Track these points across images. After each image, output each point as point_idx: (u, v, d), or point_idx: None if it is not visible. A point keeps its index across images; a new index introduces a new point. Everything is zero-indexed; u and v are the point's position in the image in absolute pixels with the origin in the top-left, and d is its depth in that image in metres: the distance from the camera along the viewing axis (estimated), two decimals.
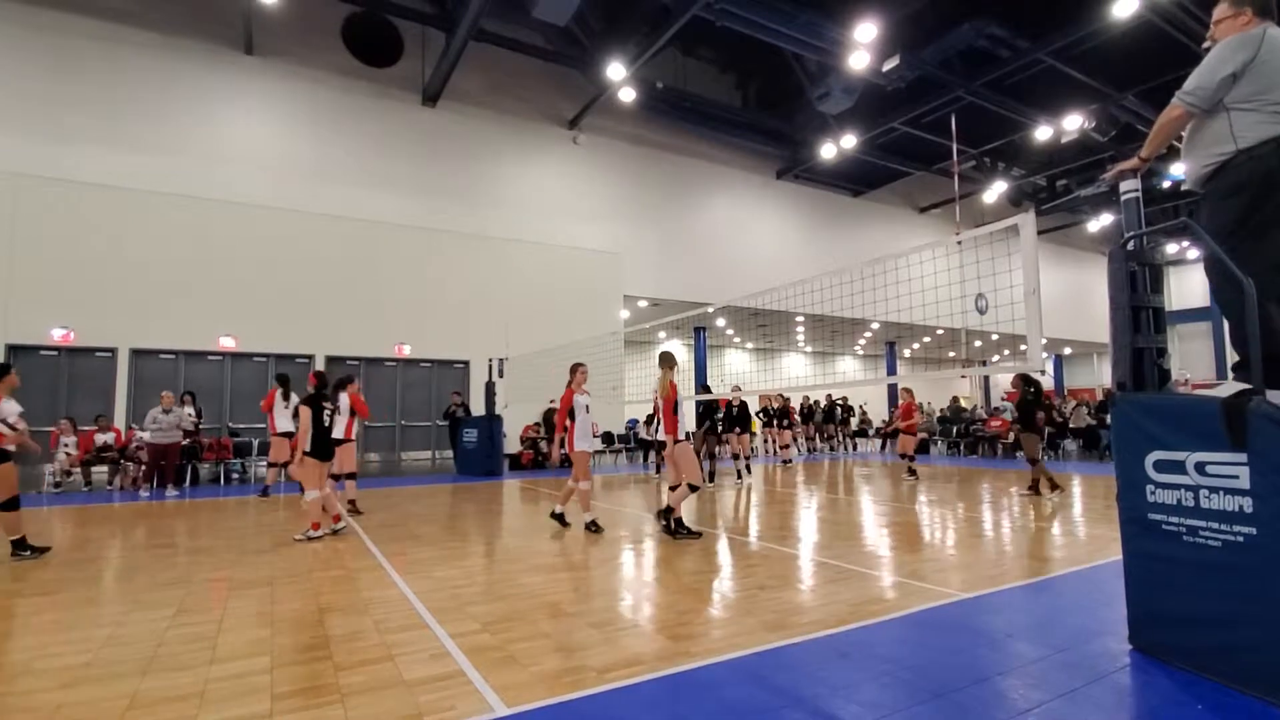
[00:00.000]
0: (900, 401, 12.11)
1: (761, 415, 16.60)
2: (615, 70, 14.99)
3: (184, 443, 10.89)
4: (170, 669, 3.07)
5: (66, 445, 10.78)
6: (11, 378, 5.87)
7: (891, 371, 30.27)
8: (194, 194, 13.59)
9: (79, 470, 10.88)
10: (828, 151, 19.00)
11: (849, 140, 18.49)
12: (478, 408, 14.44)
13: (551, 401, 14.74)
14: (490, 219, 16.78)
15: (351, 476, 7.98)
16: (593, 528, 6.59)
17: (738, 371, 28.94)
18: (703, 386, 7.18)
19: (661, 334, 27.25)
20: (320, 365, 14.50)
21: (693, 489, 6.24)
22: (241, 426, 13.76)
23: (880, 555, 5.54)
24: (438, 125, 16.37)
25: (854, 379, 35.86)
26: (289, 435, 9.03)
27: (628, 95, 16.47)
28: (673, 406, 6.34)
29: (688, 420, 6.73)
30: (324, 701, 2.70)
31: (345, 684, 2.87)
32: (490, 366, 13.50)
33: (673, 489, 6.45)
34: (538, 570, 5.05)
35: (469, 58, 15.23)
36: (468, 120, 16.73)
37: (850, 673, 2.96)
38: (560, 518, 6.94)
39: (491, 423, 12.75)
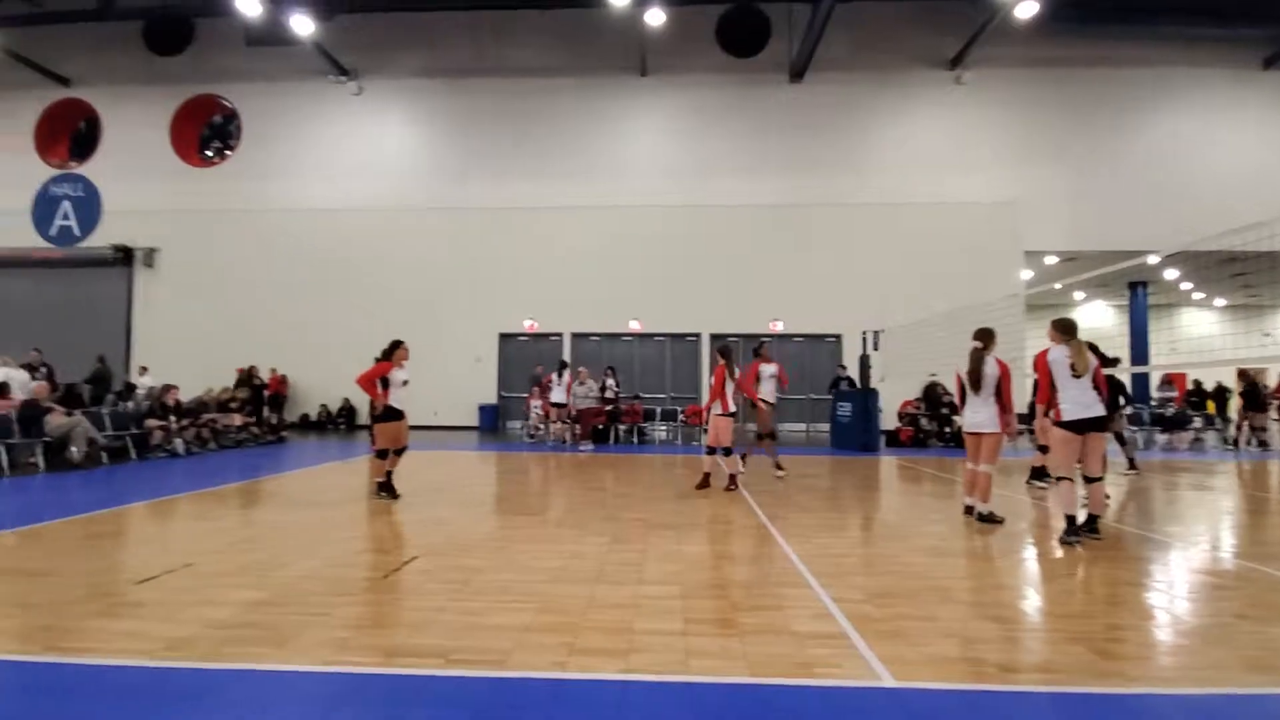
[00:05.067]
0: None
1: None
2: None
3: (606, 409, 13.49)
4: (612, 582, 3.88)
5: (535, 407, 14.32)
6: (403, 350, 6.70)
7: None
8: (604, 204, 16.54)
9: (543, 426, 14.32)
10: None
11: None
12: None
13: (933, 375, 13.61)
14: (861, 185, 16.27)
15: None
16: (991, 519, 5.67)
17: (1199, 335, 22.10)
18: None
19: (1078, 294, 22.60)
20: (705, 343, 16.23)
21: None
22: (648, 396, 16.30)
23: None
24: (804, 99, 16.50)
25: None
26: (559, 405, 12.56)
27: (1027, 10, 13.90)
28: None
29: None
30: (726, 633, 3.07)
31: (742, 622, 3.21)
32: (864, 339, 13.11)
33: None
34: (923, 552, 4.77)
35: (834, 21, 14.84)
36: (835, 87, 16.44)
37: None
38: (991, 516, 5.66)
39: (867, 397, 12.41)
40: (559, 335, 16.68)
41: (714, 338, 16.26)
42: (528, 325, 16.65)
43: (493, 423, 16.24)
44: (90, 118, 18.30)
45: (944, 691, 2.50)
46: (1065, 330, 5.20)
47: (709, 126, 16.71)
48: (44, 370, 11.66)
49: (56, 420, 9.03)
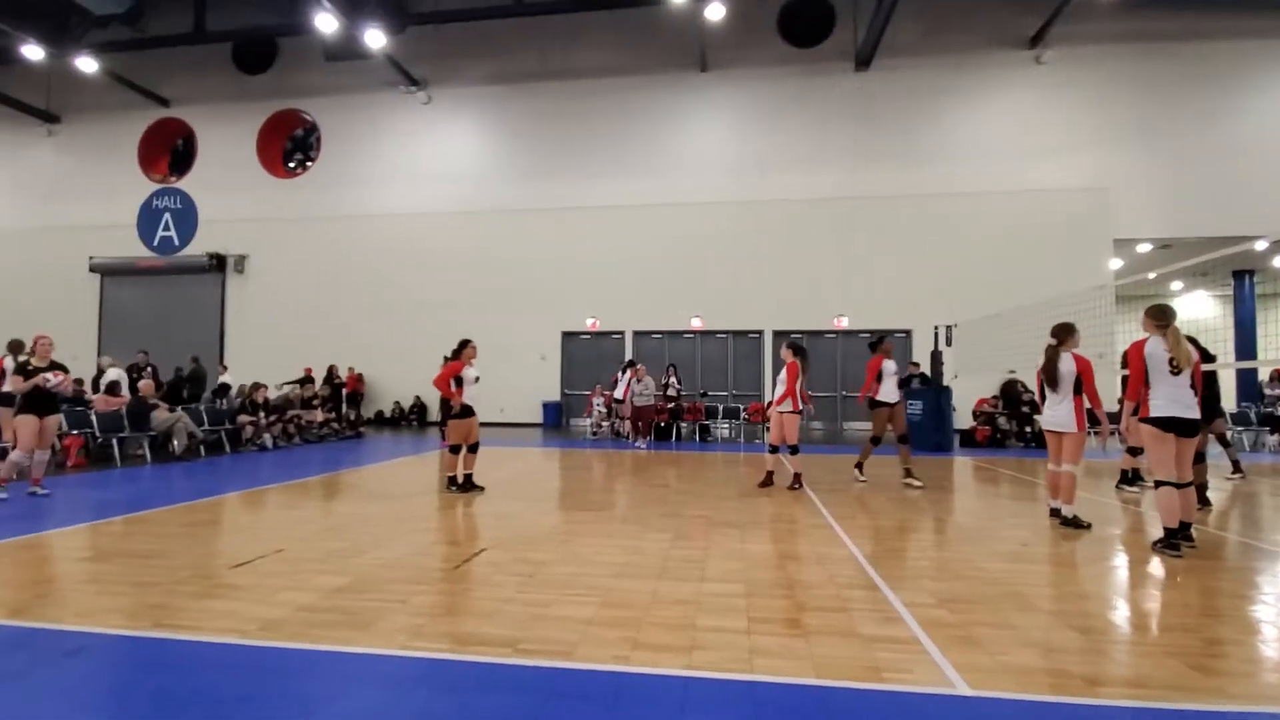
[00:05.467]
0: None
1: None
2: None
3: (669, 406, 13.45)
4: (674, 579, 3.89)
5: (598, 404, 14.48)
6: (471, 349, 6.93)
7: None
8: (666, 201, 16.52)
9: (606, 424, 14.47)
10: None
11: None
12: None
13: (1011, 372, 12.97)
14: (933, 175, 15.65)
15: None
16: (1076, 524, 5.41)
17: None
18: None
19: (1175, 284, 21.11)
20: (768, 340, 15.97)
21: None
22: (711, 394, 16.19)
23: None
24: (871, 88, 16.01)
25: None
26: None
27: None
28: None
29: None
30: (791, 633, 3.03)
31: (807, 623, 3.16)
32: (936, 334, 12.61)
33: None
34: (1001, 557, 4.56)
35: (903, 4, 14.31)
36: (904, 74, 15.86)
37: None
38: (1075, 521, 5.42)
39: (939, 395, 11.94)
40: (621, 333, 16.81)
41: (777, 334, 15.99)
42: (590, 323, 16.84)
43: (556, 419, 16.52)
44: (187, 135, 19.72)
45: (1023, 702, 2.40)
46: (1161, 318, 4.81)
47: (771, 120, 16.44)
48: (149, 370, 12.65)
49: (161, 416, 9.80)
